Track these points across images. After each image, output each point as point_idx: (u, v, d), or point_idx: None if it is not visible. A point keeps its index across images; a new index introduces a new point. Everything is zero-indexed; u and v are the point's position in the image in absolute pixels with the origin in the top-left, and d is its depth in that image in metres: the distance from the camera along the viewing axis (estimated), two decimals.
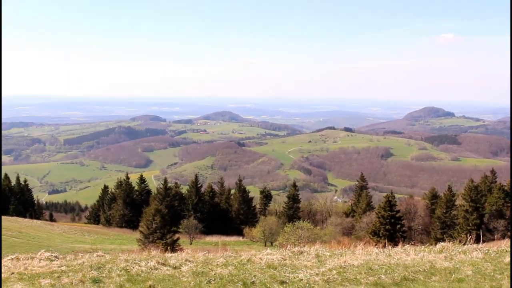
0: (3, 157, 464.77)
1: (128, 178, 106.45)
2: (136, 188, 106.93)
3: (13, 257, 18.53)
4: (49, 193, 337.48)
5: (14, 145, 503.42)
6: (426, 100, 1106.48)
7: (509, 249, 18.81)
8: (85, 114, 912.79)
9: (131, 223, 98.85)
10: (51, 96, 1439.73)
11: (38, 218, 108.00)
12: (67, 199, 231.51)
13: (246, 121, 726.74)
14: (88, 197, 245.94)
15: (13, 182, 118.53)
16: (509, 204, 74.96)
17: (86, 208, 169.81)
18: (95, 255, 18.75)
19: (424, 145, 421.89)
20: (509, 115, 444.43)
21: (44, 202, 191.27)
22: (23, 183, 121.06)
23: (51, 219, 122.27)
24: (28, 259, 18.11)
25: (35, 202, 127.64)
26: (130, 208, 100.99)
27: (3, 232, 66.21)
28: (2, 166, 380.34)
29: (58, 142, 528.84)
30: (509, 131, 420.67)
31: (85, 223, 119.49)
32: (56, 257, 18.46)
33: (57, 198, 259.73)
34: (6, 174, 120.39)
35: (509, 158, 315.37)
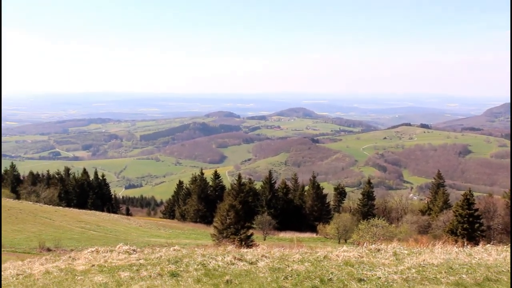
0: (82, 152, 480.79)
1: (202, 173, 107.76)
2: (210, 183, 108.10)
3: (93, 249, 19.10)
4: (126, 188, 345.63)
5: (92, 141, 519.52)
6: (506, 96, 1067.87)
7: None
8: (161, 111, 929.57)
9: (205, 218, 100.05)
10: (128, 93, 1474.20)
11: (115, 212, 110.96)
12: (143, 193, 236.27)
13: (320, 117, 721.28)
14: (163, 192, 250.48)
15: (92, 177, 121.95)
16: None
17: (162, 203, 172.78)
18: (171, 249, 19.03)
19: (504, 142, 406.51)
20: None
21: (121, 197, 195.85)
22: (101, 178, 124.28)
23: (128, 213, 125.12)
24: (107, 252, 18.61)
25: (113, 196, 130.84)
26: (204, 203, 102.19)
27: (82, 225, 68.46)
28: (81, 161, 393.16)
29: (134, 138, 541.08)
30: None
31: (160, 217, 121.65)
32: (134, 250, 18.88)
33: (134, 193, 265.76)
34: (84, 169, 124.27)
35: None
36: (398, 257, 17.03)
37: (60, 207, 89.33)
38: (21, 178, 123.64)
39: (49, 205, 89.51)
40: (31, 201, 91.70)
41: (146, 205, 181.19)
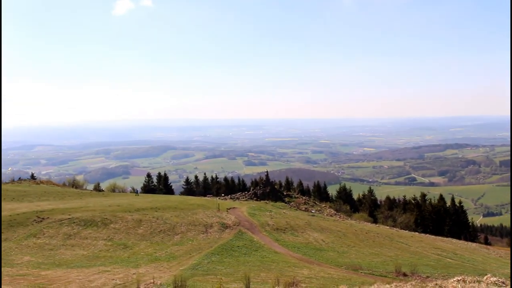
0: (437, 178, 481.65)
1: None
2: None
3: (459, 278, 18.85)
4: (484, 216, 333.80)
5: (448, 167, 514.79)
6: None
7: None
8: None
9: None
10: (483, 116, 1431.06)
11: (472, 241, 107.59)
12: (503, 222, 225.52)
13: None
14: None
15: (448, 203, 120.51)
16: None
17: None
18: None
19: None
20: None
21: (478, 225, 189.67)
22: (457, 204, 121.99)
23: (486, 242, 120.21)
24: (474, 281, 18.27)
25: (470, 224, 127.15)
26: None
27: (438, 252, 67.73)
28: (436, 187, 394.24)
29: (493, 164, 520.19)
30: None
31: None
32: (503, 283, 18.14)
33: (492, 221, 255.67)
34: (441, 195, 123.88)
35: None
36: None
37: (416, 233, 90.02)
38: (378, 202, 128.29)
39: (405, 230, 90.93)
40: (387, 226, 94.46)
41: (506, 234, 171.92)
